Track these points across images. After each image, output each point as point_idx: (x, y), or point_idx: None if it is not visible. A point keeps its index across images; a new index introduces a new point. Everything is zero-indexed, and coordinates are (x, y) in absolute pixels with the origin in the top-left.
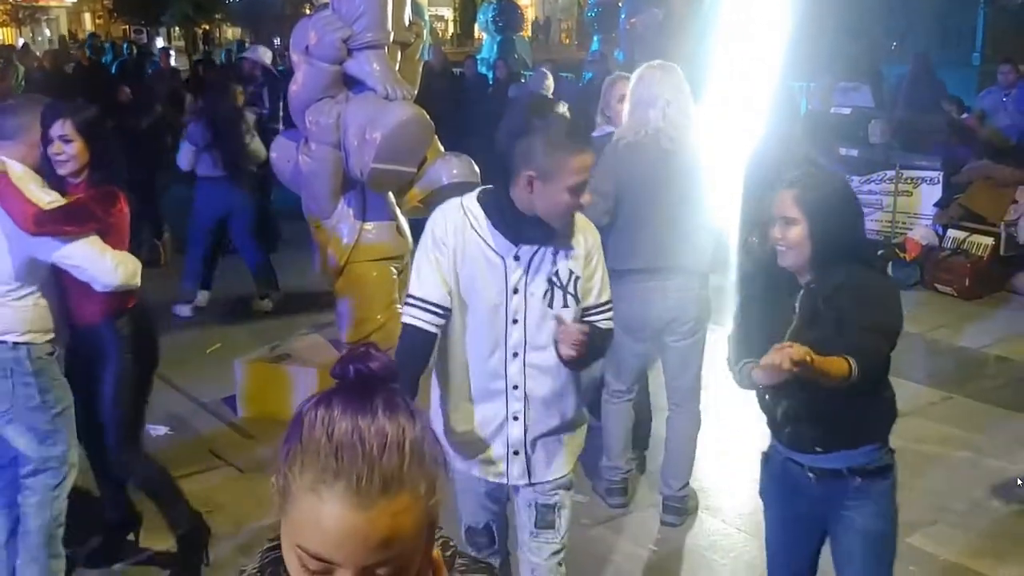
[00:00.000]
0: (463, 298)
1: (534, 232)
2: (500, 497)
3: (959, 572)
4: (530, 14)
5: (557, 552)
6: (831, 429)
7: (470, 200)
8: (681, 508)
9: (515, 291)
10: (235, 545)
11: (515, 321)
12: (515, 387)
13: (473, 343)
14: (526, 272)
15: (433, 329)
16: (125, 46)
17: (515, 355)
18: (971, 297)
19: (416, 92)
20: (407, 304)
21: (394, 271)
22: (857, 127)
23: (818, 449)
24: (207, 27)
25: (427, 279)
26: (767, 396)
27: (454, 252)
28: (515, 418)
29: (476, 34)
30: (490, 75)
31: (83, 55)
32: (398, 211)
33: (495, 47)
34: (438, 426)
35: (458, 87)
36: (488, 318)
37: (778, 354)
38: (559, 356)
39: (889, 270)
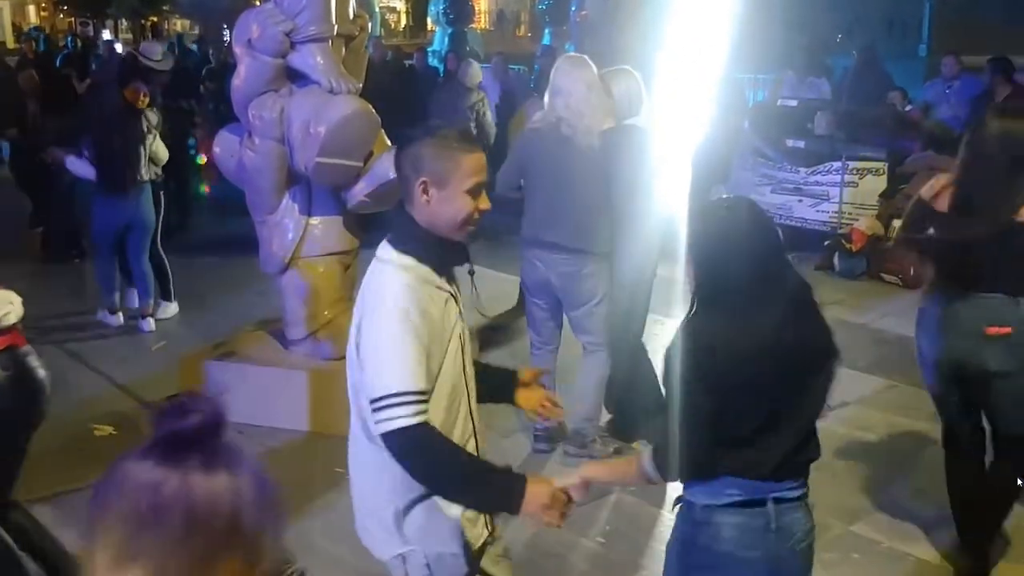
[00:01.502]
0: (440, 354)
1: (451, 250)
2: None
3: (901, 559)
4: (483, 6)
5: None
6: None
7: (389, 254)
8: (575, 440)
9: (462, 319)
10: None
11: (462, 348)
12: (476, 420)
13: (449, 396)
14: (456, 292)
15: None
16: (69, 39)
17: (470, 394)
18: (916, 286)
19: (361, 86)
20: (415, 402)
21: (341, 267)
22: (804, 119)
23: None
24: (155, 19)
25: (418, 366)
26: None
27: (425, 318)
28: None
29: (429, 26)
30: (441, 68)
31: (30, 48)
32: (345, 206)
33: (446, 39)
34: (436, 513)
35: (408, 79)
36: (455, 361)
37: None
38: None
39: (836, 260)
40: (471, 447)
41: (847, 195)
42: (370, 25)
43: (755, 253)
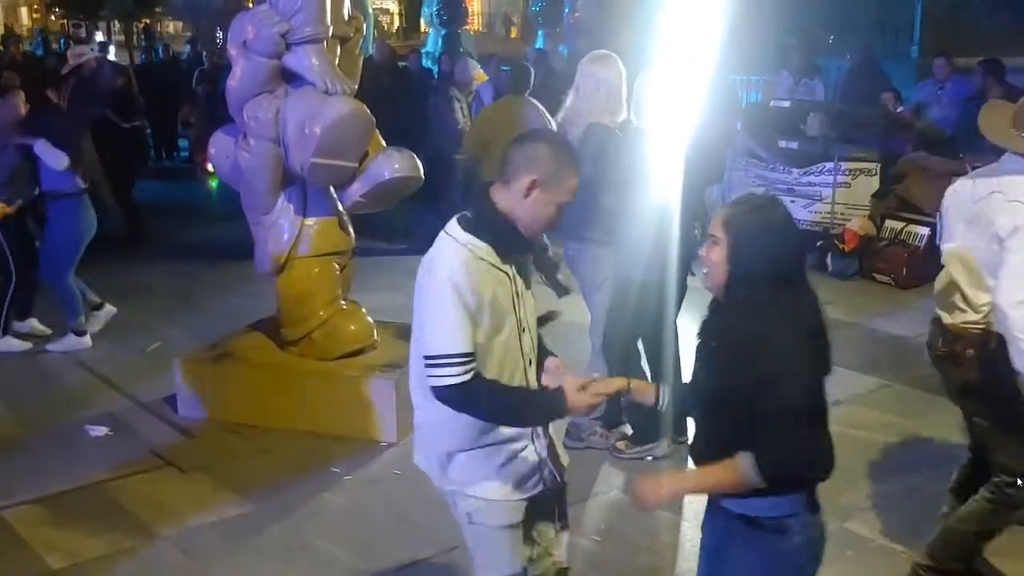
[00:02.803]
0: (491, 325)
1: (519, 240)
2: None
3: (894, 556)
4: (476, 8)
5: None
6: None
7: (456, 231)
8: (573, 433)
9: (518, 297)
10: (176, 548)
11: (523, 330)
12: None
13: (500, 363)
14: (519, 278)
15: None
16: (62, 41)
17: (531, 362)
18: (908, 286)
19: (356, 87)
20: (463, 363)
21: (336, 267)
22: (797, 120)
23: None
24: (147, 21)
25: (463, 331)
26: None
27: (477, 293)
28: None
29: (422, 28)
30: (435, 69)
31: (17, 50)
32: (340, 206)
33: (440, 41)
34: (477, 463)
35: (402, 81)
36: (509, 333)
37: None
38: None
39: (828, 261)
40: None
41: (839, 195)
42: (364, 27)
43: (799, 244)
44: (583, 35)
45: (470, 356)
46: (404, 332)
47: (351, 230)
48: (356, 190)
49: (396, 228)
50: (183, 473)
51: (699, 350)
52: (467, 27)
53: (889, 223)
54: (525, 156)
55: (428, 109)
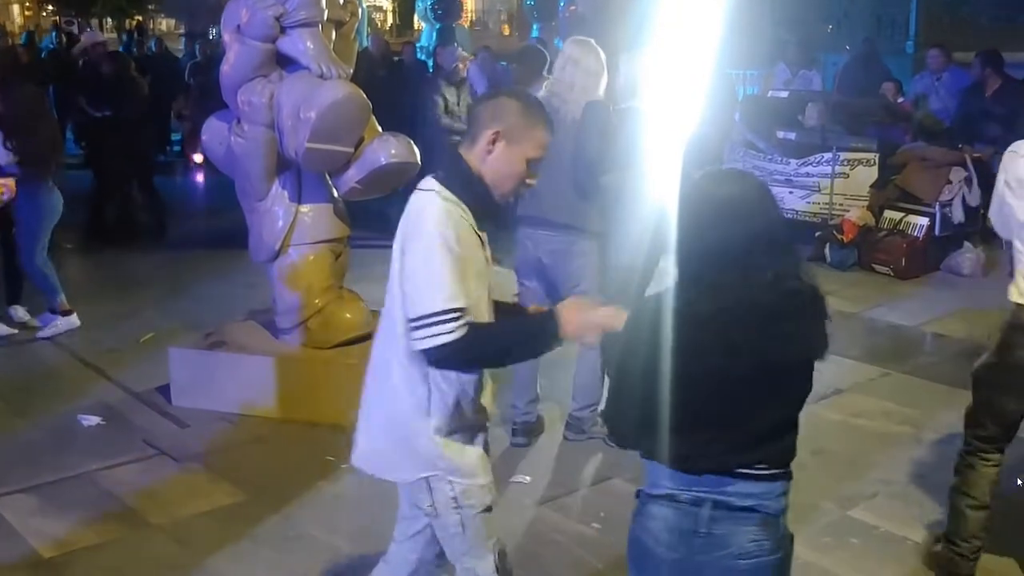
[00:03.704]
0: (473, 287)
1: (491, 203)
2: None
3: (898, 543)
4: (470, 5)
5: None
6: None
7: (432, 185)
8: (574, 426)
9: (488, 267)
10: (170, 537)
11: (488, 292)
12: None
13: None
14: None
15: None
16: (54, 35)
17: None
18: (907, 277)
19: (352, 71)
20: (456, 319)
21: (332, 255)
22: (795, 110)
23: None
24: (140, 18)
25: (457, 285)
26: None
27: (461, 243)
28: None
29: (416, 25)
30: (429, 63)
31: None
32: (335, 193)
33: (434, 35)
34: (460, 445)
35: (397, 74)
36: (482, 297)
37: None
38: None
39: (827, 251)
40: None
41: (838, 186)
42: (360, 12)
43: (750, 224)
44: (579, 28)
45: (464, 311)
46: None
47: (347, 217)
48: (352, 176)
49: (391, 219)
50: (177, 462)
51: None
52: (461, 22)
53: (888, 213)
54: (488, 110)
55: (417, 102)
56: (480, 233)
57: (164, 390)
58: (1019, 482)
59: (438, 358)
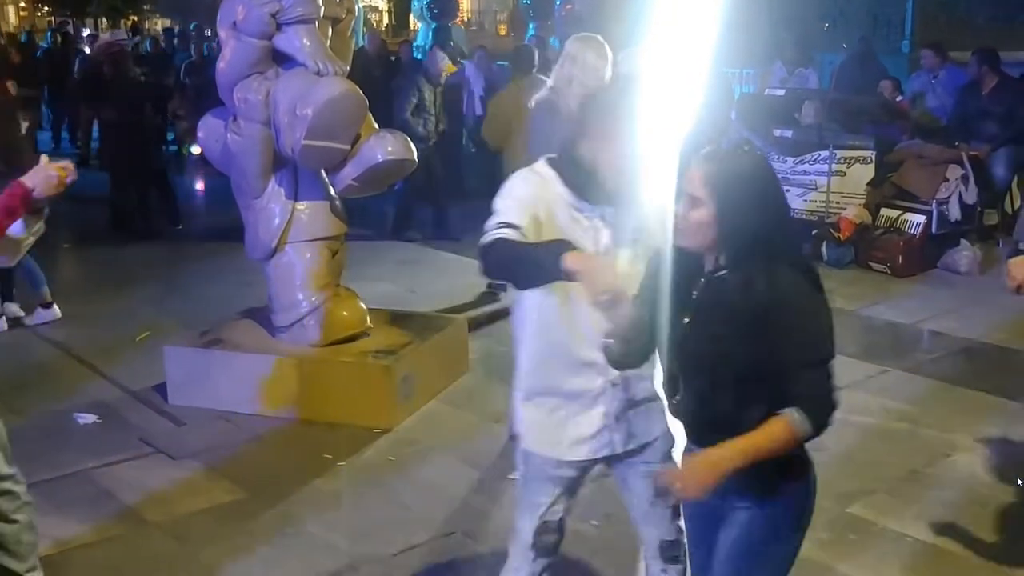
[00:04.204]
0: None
1: (597, 188)
2: (583, 482)
3: (896, 539)
4: (466, 5)
5: (676, 518)
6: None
7: (539, 165)
8: None
9: (606, 251)
10: (167, 534)
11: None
12: None
13: (566, 313)
14: (611, 230)
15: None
16: (49, 34)
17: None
18: (904, 274)
19: (348, 68)
20: (498, 227)
21: (328, 252)
22: (792, 108)
23: None
24: (135, 19)
25: (510, 209)
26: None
27: (544, 209)
28: (614, 384)
29: (411, 25)
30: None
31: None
32: (332, 190)
33: (430, 35)
34: (524, 414)
35: (393, 73)
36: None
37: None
38: None
39: (823, 250)
40: (595, 371)
41: (835, 184)
42: (357, 8)
43: (780, 186)
44: (575, 27)
45: (509, 224)
46: (397, 318)
47: (344, 214)
48: (348, 173)
49: (388, 217)
50: (173, 460)
51: (704, 323)
52: (457, 21)
53: (884, 211)
54: (598, 104)
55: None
56: (587, 215)
57: (160, 388)
58: (1019, 482)
59: (479, 259)
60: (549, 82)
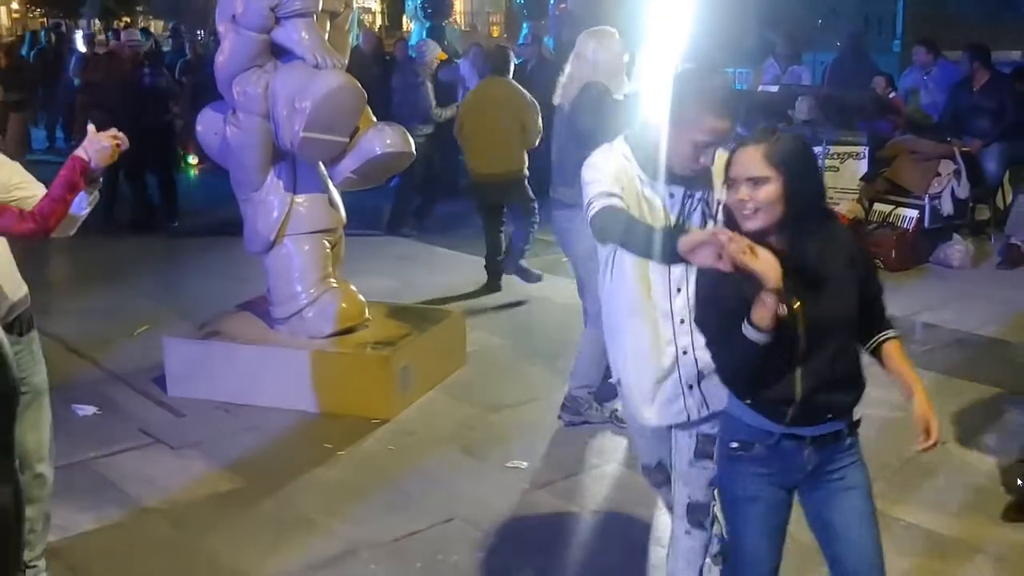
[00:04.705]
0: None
1: (671, 174)
2: (670, 435)
3: (894, 525)
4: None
5: (712, 482)
6: (849, 390)
7: (618, 142)
8: (571, 407)
9: (675, 226)
10: (167, 520)
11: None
12: (682, 321)
13: (638, 283)
14: (683, 208)
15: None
16: (43, 34)
17: (679, 290)
18: (897, 269)
19: (346, 61)
20: (607, 196)
21: (327, 245)
22: (785, 105)
23: (830, 416)
24: (128, 20)
25: (607, 179)
26: (778, 379)
27: (627, 182)
28: (684, 352)
29: (404, 25)
30: None
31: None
32: (330, 183)
33: (424, 34)
34: (622, 376)
35: (389, 70)
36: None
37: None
38: None
39: None
40: (668, 339)
41: (828, 179)
42: (354, 3)
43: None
44: (569, 26)
45: (613, 194)
46: (395, 311)
47: (342, 207)
48: (347, 166)
49: (384, 212)
50: (173, 450)
51: (819, 288)
52: (451, 22)
53: (878, 206)
54: (672, 94)
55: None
56: (658, 192)
57: (159, 380)
58: (1020, 482)
59: (593, 229)
60: (562, 79)
